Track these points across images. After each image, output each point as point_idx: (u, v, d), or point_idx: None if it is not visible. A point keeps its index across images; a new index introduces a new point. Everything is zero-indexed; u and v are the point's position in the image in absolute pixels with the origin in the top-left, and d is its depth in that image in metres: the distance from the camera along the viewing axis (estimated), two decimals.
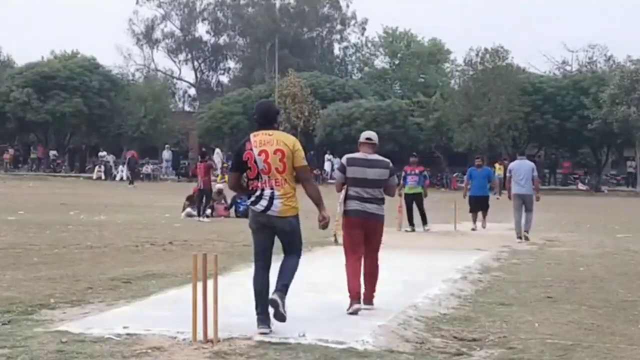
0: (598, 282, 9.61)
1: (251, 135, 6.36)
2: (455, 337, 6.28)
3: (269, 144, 6.21)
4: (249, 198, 6.36)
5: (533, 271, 10.51)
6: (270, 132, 6.32)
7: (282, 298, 6.16)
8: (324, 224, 6.49)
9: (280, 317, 6.13)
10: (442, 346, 5.98)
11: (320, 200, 6.41)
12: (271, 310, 6.15)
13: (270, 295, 6.20)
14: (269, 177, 6.20)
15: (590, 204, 30.99)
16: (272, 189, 6.20)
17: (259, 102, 7.02)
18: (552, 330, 6.59)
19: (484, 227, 17.40)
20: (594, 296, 8.48)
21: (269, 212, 6.21)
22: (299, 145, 6.31)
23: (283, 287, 6.22)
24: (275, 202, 6.19)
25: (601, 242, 14.85)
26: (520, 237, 14.81)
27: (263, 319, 6.18)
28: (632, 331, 6.71)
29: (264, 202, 6.21)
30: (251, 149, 6.23)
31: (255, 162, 6.21)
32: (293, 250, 6.42)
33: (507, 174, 15.89)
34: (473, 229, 17.13)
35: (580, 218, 21.86)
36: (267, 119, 6.43)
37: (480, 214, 17.63)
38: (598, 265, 11.35)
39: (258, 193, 6.24)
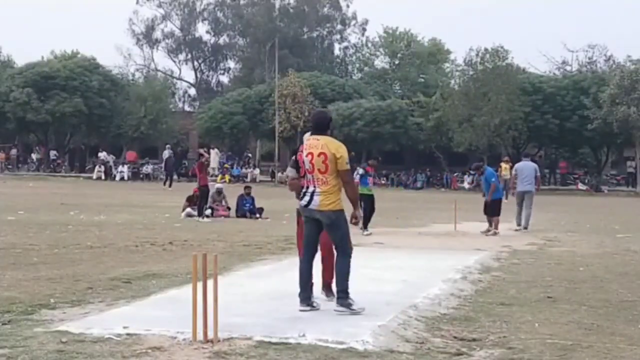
0: (598, 282, 9.61)
1: (304, 139, 7.34)
2: (455, 337, 6.28)
3: (315, 147, 7.04)
4: (299, 193, 7.23)
5: (533, 271, 10.50)
6: (319, 137, 7.12)
7: (343, 304, 6.96)
8: (355, 222, 7.27)
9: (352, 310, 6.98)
10: (442, 346, 5.98)
11: (356, 201, 7.26)
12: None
13: (334, 308, 6.98)
14: (312, 176, 7.05)
15: (590, 204, 30.99)
16: (314, 186, 7.04)
17: (315, 110, 8.05)
18: (552, 330, 6.59)
19: (488, 233, 16.32)
20: (594, 296, 8.47)
21: (310, 206, 7.05)
22: (342, 152, 7.02)
23: (340, 294, 7.00)
24: (315, 197, 7.01)
25: (601, 242, 14.84)
26: (519, 225, 17.05)
27: (303, 298, 7.06)
28: (632, 331, 6.71)
29: (307, 198, 7.08)
30: (302, 151, 7.17)
31: (303, 162, 7.13)
32: (339, 246, 7.11)
33: (513, 172, 18.12)
34: (483, 232, 16.29)
35: (580, 218, 21.85)
36: (318, 126, 7.23)
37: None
38: (598, 265, 11.34)
39: (304, 189, 7.14)
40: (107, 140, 53.21)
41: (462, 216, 17.89)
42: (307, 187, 7.09)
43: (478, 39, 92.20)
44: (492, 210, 16.54)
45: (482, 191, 17.21)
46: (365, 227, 15.59)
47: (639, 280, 9.75)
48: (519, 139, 45.55)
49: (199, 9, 68.79)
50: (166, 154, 47.75)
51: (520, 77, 45.68)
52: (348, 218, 7.20)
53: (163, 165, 42.35)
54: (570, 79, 47.35)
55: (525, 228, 16.95)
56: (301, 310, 6.94)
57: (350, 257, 7.11)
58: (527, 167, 17.52)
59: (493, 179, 16.77)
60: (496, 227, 16.35)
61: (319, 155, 6.97)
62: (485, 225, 16.69)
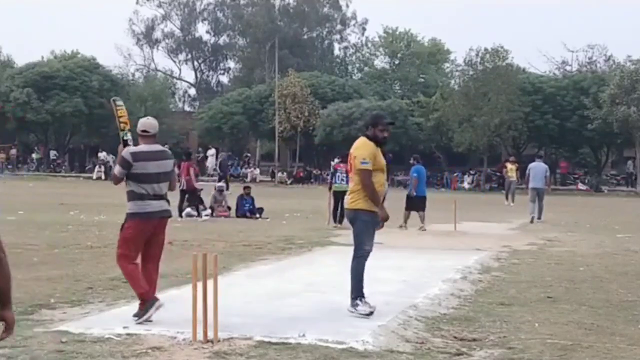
0: (598, 282, 9.61)
1: None
2: (455, 337, 6.28)
3: (352, 148, 7.19)
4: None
5: (533, 271, 10.50)
6: (361, 137, 7.22)
7: (352, 305, 6.90)
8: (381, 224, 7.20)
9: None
10: (442, 346, 5.98)
11: (377, 202, 6.98)
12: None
13: (348, 308, 6.96)
14: (351, 175, 7.25)
15: (590, 204, 30.98)
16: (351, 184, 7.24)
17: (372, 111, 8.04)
18: (552, 330, 6.59)
19: (401, 227, 16.69)
20: (594, 296, 8.47)
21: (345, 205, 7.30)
22: (359, 151, 6.96)
23: (352, 296, 6.98)
24: (346, 196, 7.24)
25: (601, 242, 14.83)
26: (532, 219, 19.19)
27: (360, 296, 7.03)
28: (632, 331, 6.71)
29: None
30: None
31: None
32: (355, 244, 7.11)
33: (527, 172, 20.46)
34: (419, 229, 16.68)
35: (580, 218, 21.84)
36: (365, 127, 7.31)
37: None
38: (598, 265, 11.34)
39: None
40: (107, 140, 53.16)
41: (462, 216, 17.88)
42: None
43: (478, 39, 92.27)
44: (417, 205, 17.07)
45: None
46: (340, 222, 16.52)
47: (639, 280, 9.75)
48: (519, 139, 45.55)
49: (199, 9, 68.78)
50: (223, 155, 45.54)
51: (520, 77, 45.67)
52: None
53: (217, 167, 41.41)
54: (570, 79, 47.35)
55: (539, 219, 19.33)
56: (351, 311, 6.89)
57: (359, 258, 7.02)
58: (538, 167, 20.26)
59: (415, 175, 17.41)
60: (422, 221, 16.82)
61: (350, 155, 7.20)
62: (486, 225, 16.84)
